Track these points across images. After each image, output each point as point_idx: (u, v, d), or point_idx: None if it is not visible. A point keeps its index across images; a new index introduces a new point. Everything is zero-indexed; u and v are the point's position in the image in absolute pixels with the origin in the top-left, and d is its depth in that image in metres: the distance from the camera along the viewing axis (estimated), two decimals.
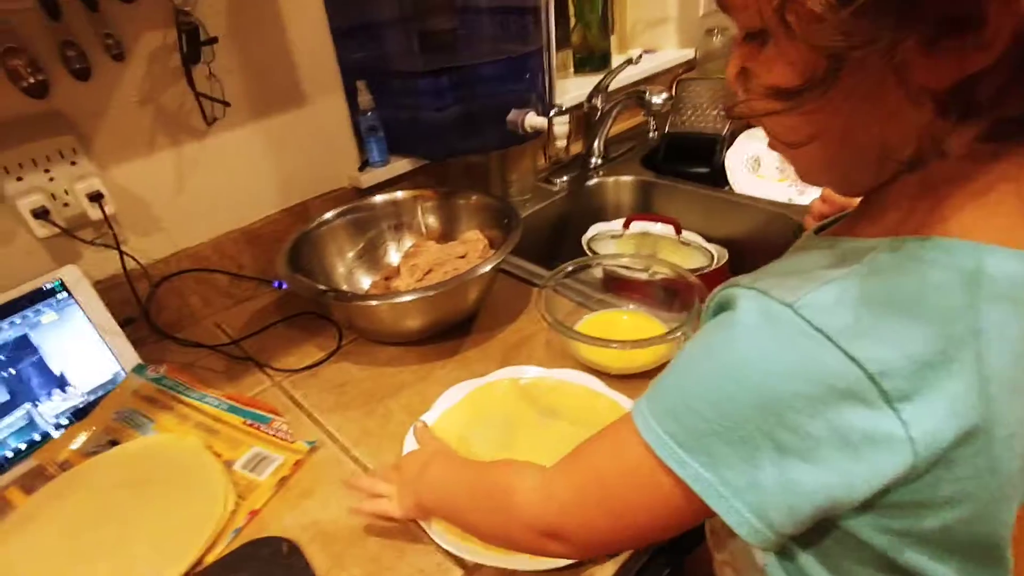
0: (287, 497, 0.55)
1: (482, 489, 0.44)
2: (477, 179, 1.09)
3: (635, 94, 1.10)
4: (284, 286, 0.87)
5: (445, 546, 0.48)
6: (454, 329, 0.75)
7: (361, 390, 0.68)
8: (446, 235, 0.87)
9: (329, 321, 0.80)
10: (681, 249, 1.04)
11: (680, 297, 0.72)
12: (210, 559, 0.50)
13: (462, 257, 0.80)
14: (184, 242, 0.81)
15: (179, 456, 0.61)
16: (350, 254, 0.84)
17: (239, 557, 0.50)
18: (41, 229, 0.66)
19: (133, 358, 0.70)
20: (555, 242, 1.16)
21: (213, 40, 0.73)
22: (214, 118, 0.77)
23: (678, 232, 1.01)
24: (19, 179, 0.65)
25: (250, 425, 0.63)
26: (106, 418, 0.66)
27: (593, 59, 1.35)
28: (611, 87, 1.14)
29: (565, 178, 1.17)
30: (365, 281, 0.85)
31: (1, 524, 0.56)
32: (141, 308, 0.77)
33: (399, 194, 0.88)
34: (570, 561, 0.45)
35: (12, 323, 0.64)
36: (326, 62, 0.87)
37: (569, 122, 0.98)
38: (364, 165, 0.96)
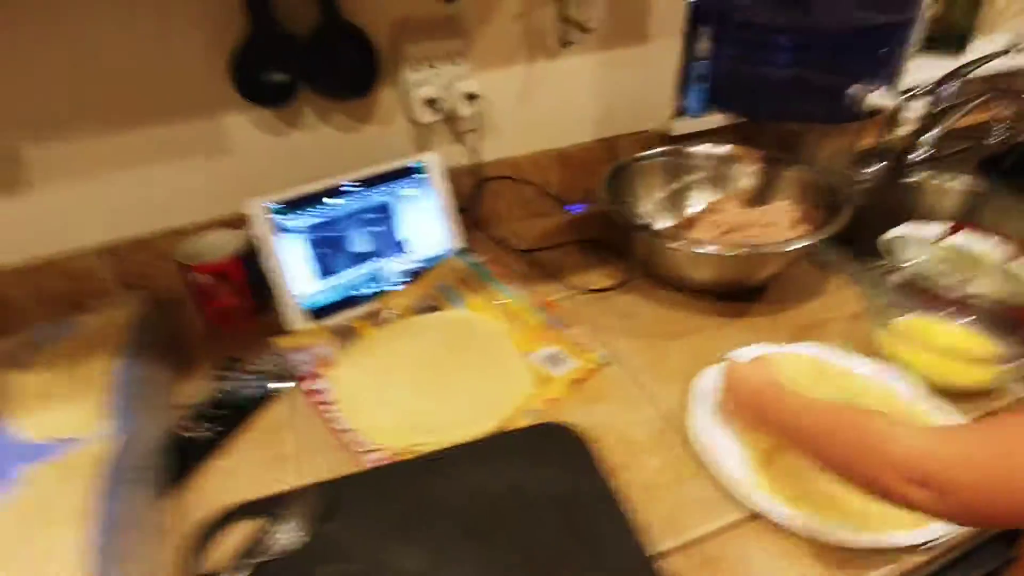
0: (579, 397, 0.62)
1: (846, 420, 0.44)
2: (785, 148, 1.03)
3: (1001, 89, 0.94)
4: (579, 210, 0.94)
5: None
6: (741, 293, 0.75)
7: (646, 324, 0.72)
8: (755, 199, 0.85)
9: (613, 253, 0.84)
10: (1008, 277, 0.90)
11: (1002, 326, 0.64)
12: (515, 426, 0.58)
13: (768, 225, 0.78)
14: (509, 151, 0.90)
15: (487, 333, 0.70)
16: (657, 195, 0.87)
17: (536, 432, 0.57)
18: (426, 116, 0.79)
19: (459, 242, 0.82)
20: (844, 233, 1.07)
21: None
22: (568, 42, 0.83)
23: (1018, 256, 0.87)
24: (416, 71, 0.77)
25: (549, 325, 0.71)
26: (430, 286, 0.78)
27: (948, 39, 1.18)
28: (970, 75, 0.99)
29: (876, 167, 1.06)
30: (660, 225, 0.87)
31: (352, 348, 0.70)
32: (466, 201, 0.88)
33: (721, 148, 0.88)
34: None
35: (382, 190, 0.78)
36: (677, 2, 0.87)
37: (923, 108, 0.87)
38: (679, 113, 0.96)
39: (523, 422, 0.59)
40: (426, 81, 0.78)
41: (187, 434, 0.59)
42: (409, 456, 0.56)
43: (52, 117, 0.69)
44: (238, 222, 0.77)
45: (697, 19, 0.88)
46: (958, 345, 0.65)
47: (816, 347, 0.65)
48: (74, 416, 0.56)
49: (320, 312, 0.75)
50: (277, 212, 0.72)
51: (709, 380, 0.60)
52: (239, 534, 0.50)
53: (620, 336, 0.70)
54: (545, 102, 0.89)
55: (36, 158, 0.71)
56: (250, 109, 0.77)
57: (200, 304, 0.75)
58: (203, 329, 0.76)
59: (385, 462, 0.55)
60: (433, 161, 0.79)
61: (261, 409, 0.63)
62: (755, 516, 0.50)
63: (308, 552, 0.48)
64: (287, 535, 0.49)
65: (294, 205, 0.73)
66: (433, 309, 0.75)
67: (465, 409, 0.60)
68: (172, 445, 0.58)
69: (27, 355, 0.65)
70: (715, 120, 0.97)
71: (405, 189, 0.79)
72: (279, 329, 0.73)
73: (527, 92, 0.87)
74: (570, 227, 0.92)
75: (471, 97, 0.78)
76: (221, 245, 0.76)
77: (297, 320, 0.73)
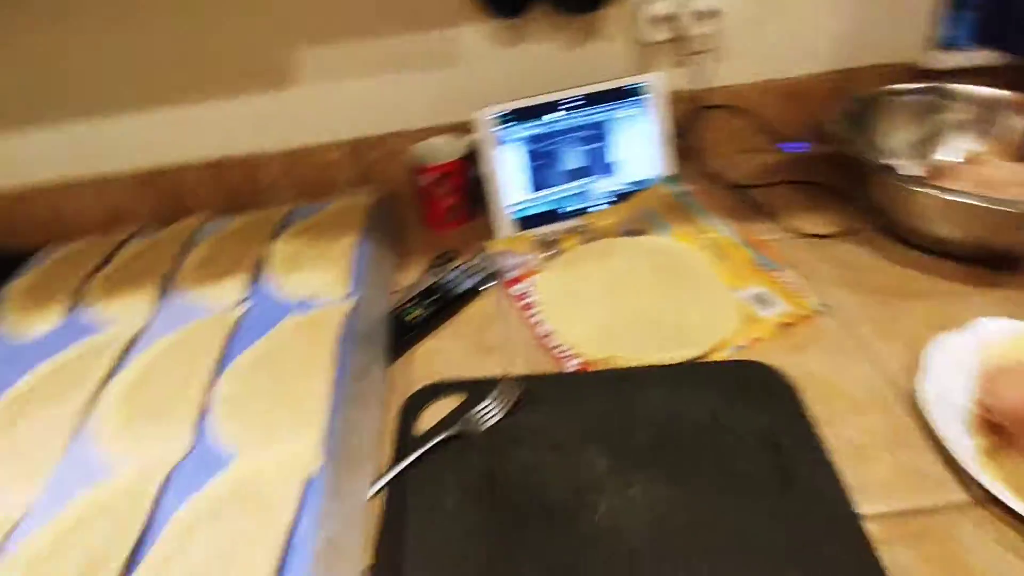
0: (786, 343, 0.59)
1: None
2: None
3: None
4: (798, 148, 0.86)
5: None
6: (992, 259, 0.65)
7: (871, 279, 0.65)
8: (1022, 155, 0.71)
9: (837, 198, 0.76)
10: None
11: None
12: (714, 359, 0.57)
13: None
14: (734, 77, 0.85)
15: (692, 263, 0.69)
16: (902, 137, 0.77)
17: (739, 368, 0.56)
18: (655, 34, 0.76)
19: (669, 169, 0.79)
20: None
21: None
22: None
23: None
24: None
25: (758, 265, 0.67)
26: (636, 210, 0.78)
27: None
28: None
29: None
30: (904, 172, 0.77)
31: (556, 259, 0.73)
32: (680, 128, 0.85)
33: (989, 91, 0.74)
34: None
35: (600, 109, 0.78)
36: None
37: None
38: (936, 45, 0.82)
39: (724, 356, 0.58)
40: None
41: (405, 314, 0.67)
42: (606, 367, 0.58)
43: (323, 24, 0.78)
44: (461, 129, 0.82)
45: None
46: None
47: None
48: (322, 281, 0.65)
49: (527, 222, 0.78)
50: (500, 122, 0.75)
51: (949, 349, 0.54)
52: (445, 406, 0.56)
53: (838, 287, 0.64)
54: (782, 25, 0.81)
55: (304, 60, 0.81)
56: (485, 21, 0.79)
57: (422, 201, 0.82)
58: (421, 225, 0.84)
59: (583, 369, 0.58)
60: (657, 82, 0.77)
61: (470, 302, 0.69)
62: (982, 503, 0.45)
63: (503, 432, 0.52)
64: (487, 414, 0.53)
65: (516, 117, 0.75)
66: (637, 233, 0.75)
67: (666, 333, 0.60)
68: (393, 321, 0.66)
69: (286, 228, 0.76)
70: (981, 57, 0.81)
71: (623, 110, 0.78)
72: (488, 233, 0.77)
73: (763, 12, 0.79)
74: (789, 166, 0.85)
75: (706, 15, 0.73)
76: (445, 149, 0.81)
77: (506, 227, 0.77)
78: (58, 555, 0.41)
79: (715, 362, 0.57)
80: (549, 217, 0.79)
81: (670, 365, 0.57)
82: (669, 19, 0.75)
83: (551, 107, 0.76)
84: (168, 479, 0.46)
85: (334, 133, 0.86)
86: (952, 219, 0.63)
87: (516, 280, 0.71)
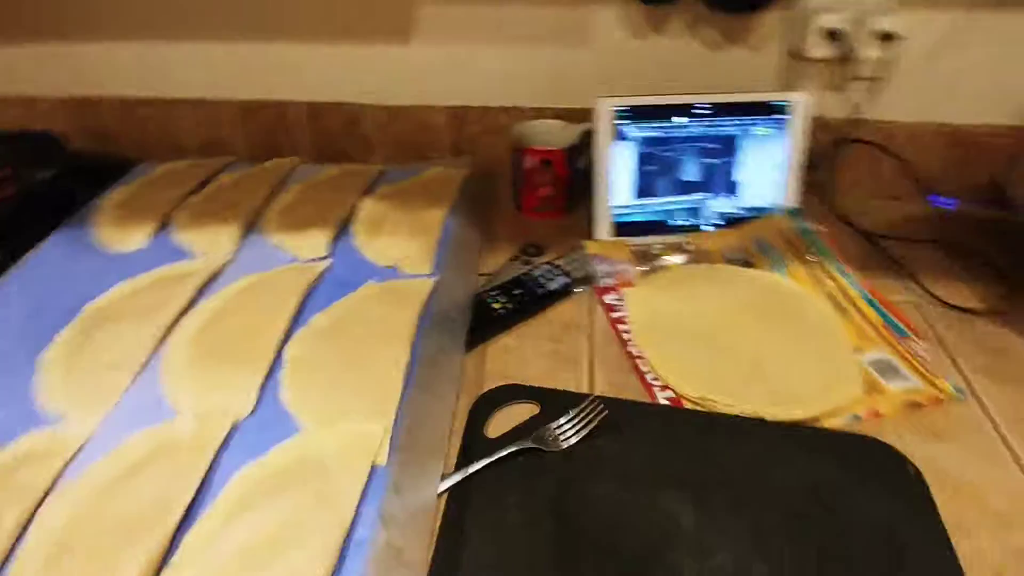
0: (914, 425, 0.51)
1: None
2: None
3: None
4: (949, 204, 0.76)
5: None
6: None
7: (1022, 369, 0.56)
8: None
9: (990, 268, 0.67)
10: None
11: None
12: (825, 425, 0.50)
13: None
14: (890, 113, 0.76)
15: (810, 310, 0.61)
16: None
17: (855, 441, 0.48)
18: (819, 50, 0.68)
19: (795, 200, 0.72)
20: None
21: None
22: None
23: None
24: None
25: (888, 328, 0.59)
26: (749, 238, 0.71)
27: None
28: None
29: None
30: None
31: (654, 275, 0.67)
32: (815, 159, 0.77)
33: None
34: None
35: (733, 122, 0.71)
36: None
37: None
38: None
39: (838, 425, 0.50)
40: (832, 8, 0.66)
41: (489, 302, 0.62)
42: (701, 407, 0.52)
43: None
44: (573, 117, 0.76)
45: None
46: None
47: None
48: (406, 250, 0.62)
49: (627, 228, 0.72)
50: (620, 116, 0.69)
51: None
52: (516, 412, 0.51)
53: (981, 373, 0.56)
54: (961, 62, 0.71)
55: (426, 16, 0.77)
56: (626, 2, 0.73)
57: (519, 185, 0.77)
58: (513, 209, 0.79)
59: (675, 404, 0.52)
60: (803, 103, 0.69)
61: (556, 302, 0.64)
62: None
63: (581, 456, 0.47)
64: (567, 431, 0.48)
65: (638, 114, 0.69)
66: (747, 264, 0.68)
67: (773, 385, 0.53)
68: (474, 308, 0.61)
69: (377, 186, 0.73)
70: None
71: (757, 127, 0.71)
72: (582, 232, 0.72)
73: (947, 46, 0.70)
74: (936, 223, 0.75)
75: (885, 38, 0.65)
76: (553, 134, 0.76)
77: (605, 229, 0.71)
78: (120, 491, 0.38)
79: (827, 429, 0.50)
80: (653, 228, 0.72)
81: (774, 422, 0.50)
82: (838, 36, 0.66)
83: (679, 110, 0.69)
84: (231, 434, 0.43)
85: (440, 96, 0.82)
86: None
87: (609, 289, 0.65)
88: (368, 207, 0.68)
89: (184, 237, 0.65)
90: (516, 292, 0.64)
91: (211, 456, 0.40)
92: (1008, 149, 0.73)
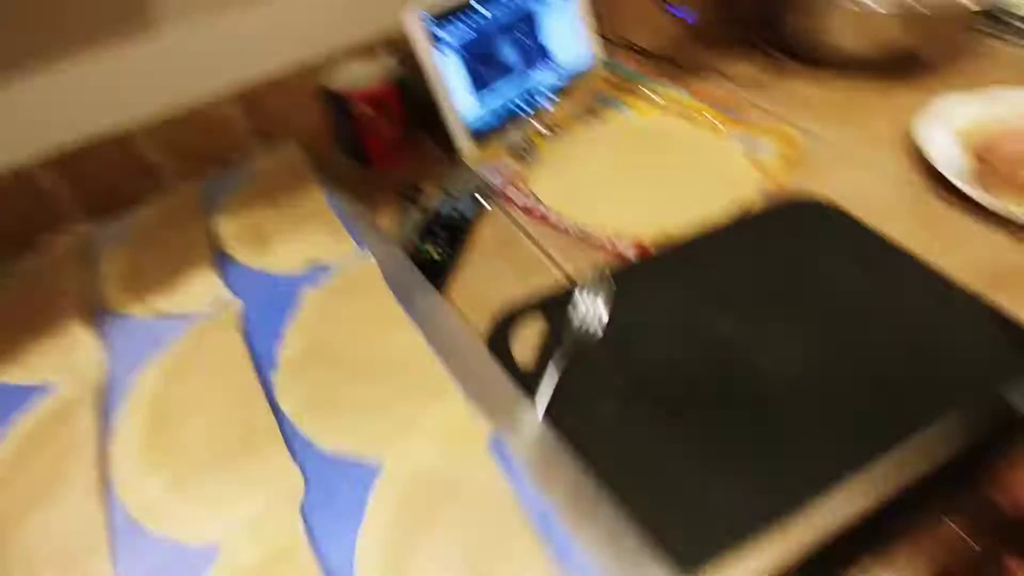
0: (800, 175, 0.61)
1: None
2: None
3: None
4: (688, 17, 0.88)
5: None
6: (902, 65, 0.74)
7: (823, 105, 0.71)
8: None
9: (748, 44, 0.81)
10: None
11: None
12: (754, 210, 0.59)
13: None
14: None
15: (672, 130, 0.69)
16: None
17: (781, 210, 0.58)
18: None
19: (598, 50, 0.77)
20: None
21: None
22: None
23: None
24: None
25: (727, 115, 0.69)
26: (586, 97, 0.75)
27: None
28: None
29: None
30: None
31: (536, 161, 0.68)
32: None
33: None
34: None
35: None
36: None
37: None
38: None
39: (761, 203, 0.59)
40: None
41: (422, 256, 0.58)
42: (663, 243, 0.56)
43: None
44: (374, 50, 0.71)
45: None
46: None
47: None
48: (318, 242, 0.54)
49: (480, 134, 0.71)
50: (430, 25, 0.66)
51: (931, 133, 0.61)
52: (529, 333, 0.50)
53: (804, 118, 0.69)
54: None
55: None
56: None
57: (355, 139, 0.71)
58: (359, 167, 0.73)
59: (639, 251, 0.56)
60: None
61: (476, 227, 0.62)
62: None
63: (616, 334, 0.48)
64: (591, 319, 0.49)
65: (444, 17, 0.67)
66: (598, 118, 0.73)
67: (695, 198, 0.60)
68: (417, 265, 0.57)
69: (214, 205, 0.61)
70: None
71: None
72: (443, 156, 0.70)
73: None
74: (694, 27, 0.87)
75: None
76: (366, 75, 0.70)
77: (465, 142, 0.70)
78: None
79: (767, 211, 0.58)
80: (503, 123, 0.73)
81: (728, 224, 0.57)
82: None
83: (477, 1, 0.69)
84: (308, 521, 0.35)
85: (219, 82, 0.70)
86: (868, 30, 0.71)
87: (509, 188, 0.65)
88: (229, 225, 0.57)
89: (14, 372, 0.48)
90: (437, 235, 0.61)
91: (313, 556, 0.34)
92: None
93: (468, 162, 0.68)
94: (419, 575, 0.32)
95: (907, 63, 0.73)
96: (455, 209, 0.63)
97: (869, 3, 0.68)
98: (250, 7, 0.68)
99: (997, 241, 0.53)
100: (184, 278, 0.52)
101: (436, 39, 0.66)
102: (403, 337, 0.44)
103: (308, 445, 0.40)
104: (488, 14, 0.69)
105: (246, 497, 0.37)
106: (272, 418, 0.41)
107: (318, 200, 0.59)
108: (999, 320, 0.45)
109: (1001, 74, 0.72)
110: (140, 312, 0.51)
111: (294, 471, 0.38)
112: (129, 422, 0.43)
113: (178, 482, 0.38)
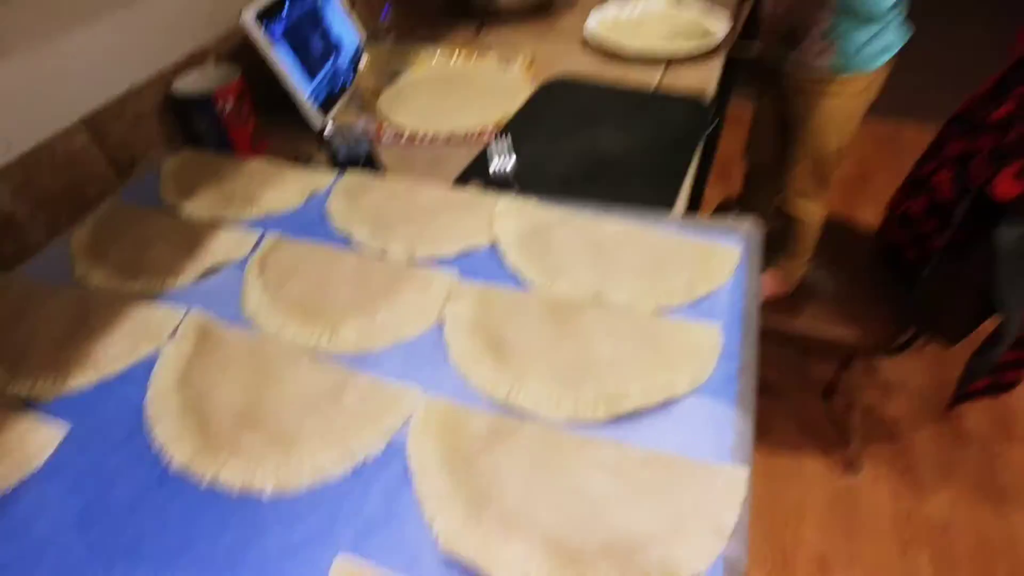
0: (540, 73, 0.98)
1: None
2: None
3: None
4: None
5: None
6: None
7: (517, 36, 1.09)
8: None
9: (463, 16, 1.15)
10: None
11: None
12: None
13: None
14: None
15: (454, 72, 0.98)
16: None
17: (546, 86, 0.92)
18: None
19: (362, 30, 1.01)
20: None
21: None
22: None
23: None
24: None
25: (480, 55, 1.02)
26: (381, 66, 0.98)
27: None
28: None
29: None
30: None
31: (375, 110, 0.89)
32: None
33: None
34: None
35: None
36: None
37: None
38: None
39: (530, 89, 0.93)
40: None
41: None
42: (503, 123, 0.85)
43: None
44: (205, 56, 0.81)
45: None
46: None
47: None
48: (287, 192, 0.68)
49: (323, 106, 0.88)
50: (261, 25, 0.80)
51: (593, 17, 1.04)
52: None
53: (514, 44, 1.06)
54: None
55: None
56: None
57: (226, 134, 0.79)
58: (233, 159, 0.81)
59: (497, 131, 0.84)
60: None
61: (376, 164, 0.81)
62: None
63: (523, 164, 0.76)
64: (502, 167, 0.75)
65: (268, 14, 0.82)
66: (396, 77, 0.97)
67: (498, 98, 0.91)
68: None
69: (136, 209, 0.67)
70: None
71: None
72: (299, 132, 0.85)
73: None
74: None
75: None
76: (209, 79, 0.79)
77: (316, 116, 0.86)
78: None
79: (540, 88, 0.92)
80: (336, 93, 0.91)
81: (528, 102, 0.89)
82: None
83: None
84: None
85: (69, 113, 0.70)
86: None
87: (382, 132, 0.85)
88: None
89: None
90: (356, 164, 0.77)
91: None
92: None
93: (335, 125, 0.85)
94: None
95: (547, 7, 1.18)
96: (352, 151, 0.80)
97: None
98: (76, 32, 0.70)
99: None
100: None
101: (271, 34, 0.81)
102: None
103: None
104: (290, 12, 0.86)
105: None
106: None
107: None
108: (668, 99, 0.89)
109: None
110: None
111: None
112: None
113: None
